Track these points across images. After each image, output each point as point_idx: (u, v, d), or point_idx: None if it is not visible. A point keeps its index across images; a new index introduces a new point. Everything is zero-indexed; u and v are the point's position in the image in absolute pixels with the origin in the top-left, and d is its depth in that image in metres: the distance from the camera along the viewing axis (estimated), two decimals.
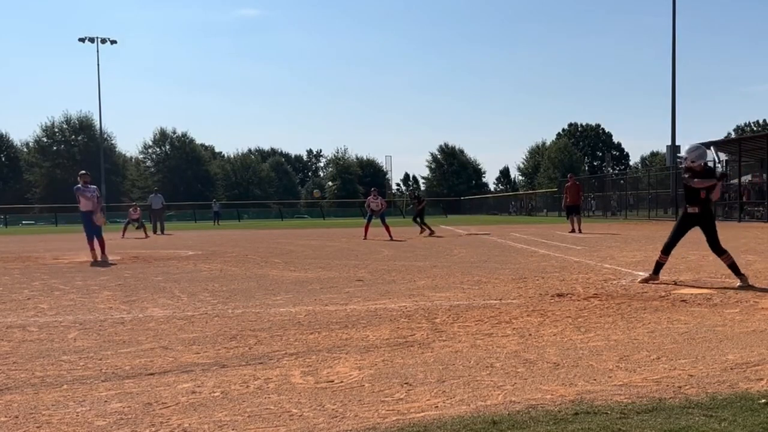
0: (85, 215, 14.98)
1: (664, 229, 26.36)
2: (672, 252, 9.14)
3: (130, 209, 30.67)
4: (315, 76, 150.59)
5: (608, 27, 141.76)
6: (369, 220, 22.65)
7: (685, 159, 9.14)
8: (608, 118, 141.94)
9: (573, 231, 23.13)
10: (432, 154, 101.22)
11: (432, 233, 23.54)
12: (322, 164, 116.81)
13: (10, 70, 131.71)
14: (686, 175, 8.84)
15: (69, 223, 54.30)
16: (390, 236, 21.45)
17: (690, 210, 8.84)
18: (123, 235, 27.30)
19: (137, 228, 29.02)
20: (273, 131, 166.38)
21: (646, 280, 8.99)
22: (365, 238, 21.43)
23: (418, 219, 24.81)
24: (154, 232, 30.33)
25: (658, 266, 9.05)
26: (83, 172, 15.80)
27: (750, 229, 22.97)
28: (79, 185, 15.06)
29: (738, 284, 8.43)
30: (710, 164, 9.39)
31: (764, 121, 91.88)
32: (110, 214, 63.77)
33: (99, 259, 14.30)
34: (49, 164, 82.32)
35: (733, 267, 8.68)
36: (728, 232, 21.27)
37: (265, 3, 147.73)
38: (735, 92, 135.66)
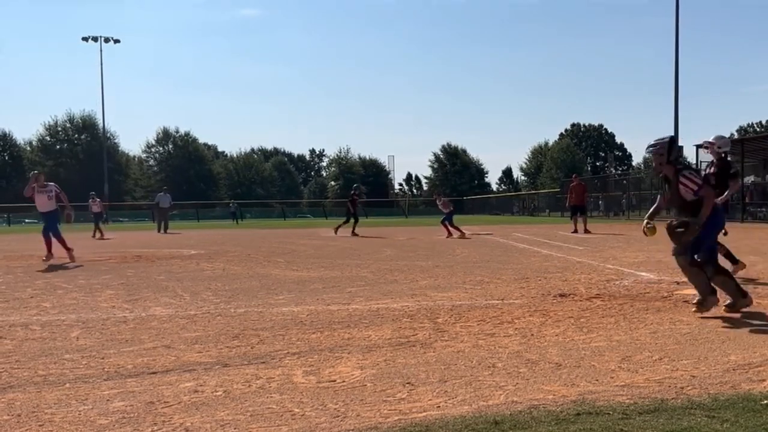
0: (42, 216, 14.55)
1: None
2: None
3: (90, 200, 28.58)
4: (317, 76, 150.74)
5: (611, 27, 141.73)
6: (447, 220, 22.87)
7: (719, 147, 9.70)
8: (611, 118, 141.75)
9: (575, 231, 23.08)
10: (434, 153, 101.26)
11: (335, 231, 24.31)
12: (324, 164, 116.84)
13: (14, 69, 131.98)
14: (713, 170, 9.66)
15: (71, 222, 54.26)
16: (462, 233, 22.08)
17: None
18: (94, 234, 26.04)
19: (102, 223, 27.00)
20: (275, 131, 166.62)
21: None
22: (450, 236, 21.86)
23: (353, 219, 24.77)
24: (159, 231, 30.27)
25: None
26: (36, 171, 15.49)
27: (752, 230, 22.94)
28: (34, 185, 14.40)
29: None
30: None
31: (767, 121, 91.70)
32: (112, 213, 63.84)
33: (68, 260, 13.70)
34: (52, 163, 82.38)
35: (729, 255, 9.25)
36: (731, 233, 21.24)
37: (265, 3, 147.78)
38: (738, 93, 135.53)
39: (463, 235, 21.95)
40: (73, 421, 3.58)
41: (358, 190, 26.10)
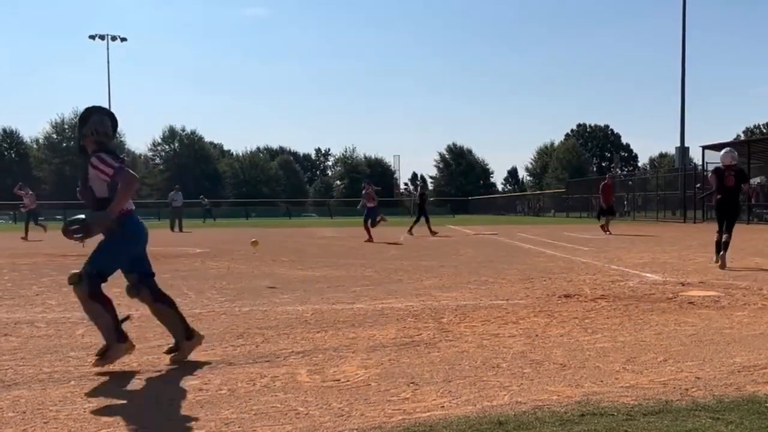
0: None
1: (673, 230, 26.34)
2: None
3: (22, 192, 24.70)
4: (323, 75, 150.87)
5: (617, 28, 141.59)
6: (369, 219, 20.81)
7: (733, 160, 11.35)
8: (617, 119, 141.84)
9: (608, 232, 22.62)
10: (440, 153, 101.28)
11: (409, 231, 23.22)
12: (330, 163, 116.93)
13: (21, 67, 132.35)
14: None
15: None
16: (370, 237, 19.96)
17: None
18: (26, 235, 23.23)
19: (35, 223, 24.15)
20: (281, 130, 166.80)
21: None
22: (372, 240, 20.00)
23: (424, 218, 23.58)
24: (172, 229, 30.31)
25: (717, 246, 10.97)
26: None
27: (758, 231, 22.87)
28: None
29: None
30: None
31: None
32: None
33: None
34: (58, 161, 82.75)
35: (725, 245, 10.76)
36: (736, 235, 21.18)
37: (271, 2, 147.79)
38: (745, 94, 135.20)
39: (371, 239, 19.59)
40: (77, 419, 3.59)
41: (426, 189, 25.06)
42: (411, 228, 23.57)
